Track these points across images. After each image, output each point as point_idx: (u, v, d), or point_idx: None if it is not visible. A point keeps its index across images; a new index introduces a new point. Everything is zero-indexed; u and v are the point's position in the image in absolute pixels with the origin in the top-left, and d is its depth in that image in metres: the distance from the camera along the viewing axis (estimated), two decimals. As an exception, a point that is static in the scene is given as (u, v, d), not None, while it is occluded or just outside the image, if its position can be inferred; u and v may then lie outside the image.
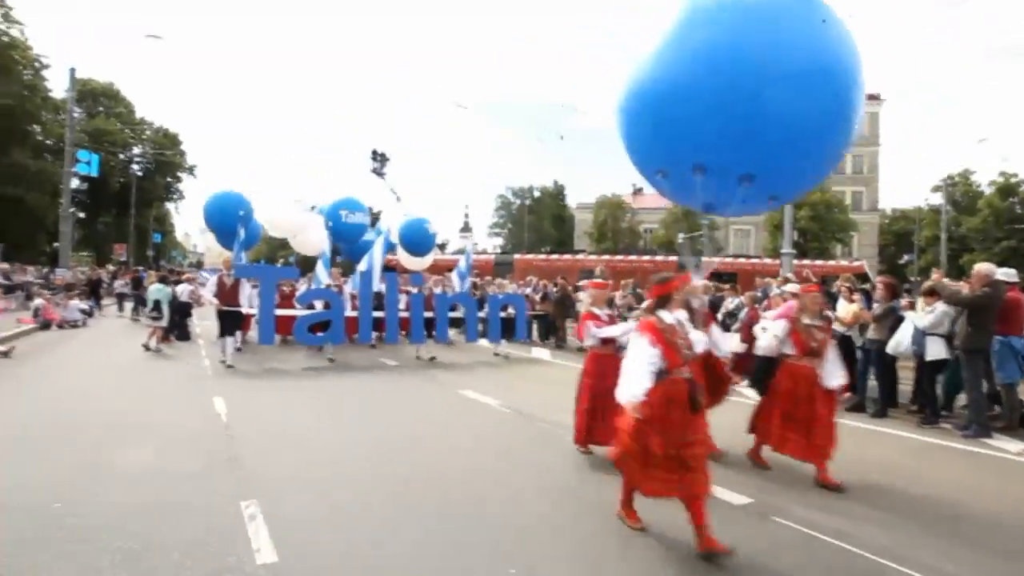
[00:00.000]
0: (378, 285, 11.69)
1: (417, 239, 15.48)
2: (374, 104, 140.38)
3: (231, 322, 10.18)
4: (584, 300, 5.67)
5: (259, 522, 3.65)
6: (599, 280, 5.62)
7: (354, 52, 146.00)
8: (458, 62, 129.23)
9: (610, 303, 6.12)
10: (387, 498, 4.21)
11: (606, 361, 5.10)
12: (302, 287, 12.76)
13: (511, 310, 12.63)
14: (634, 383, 3.51)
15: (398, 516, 3.90)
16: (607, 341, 5.22)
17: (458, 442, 5.84)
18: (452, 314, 12.13)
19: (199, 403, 7.06)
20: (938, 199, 45.41)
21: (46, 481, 4.29)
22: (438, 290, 12.69)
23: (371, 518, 3.86)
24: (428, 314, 11.51)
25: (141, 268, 25.50)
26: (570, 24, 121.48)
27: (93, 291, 19.51)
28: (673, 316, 3.74)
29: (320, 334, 10.71)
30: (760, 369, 5.29)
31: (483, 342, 12.67)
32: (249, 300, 10.63)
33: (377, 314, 11.26)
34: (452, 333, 12.61)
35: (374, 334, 12.07)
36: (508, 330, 12.43)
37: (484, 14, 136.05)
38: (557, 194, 64.93)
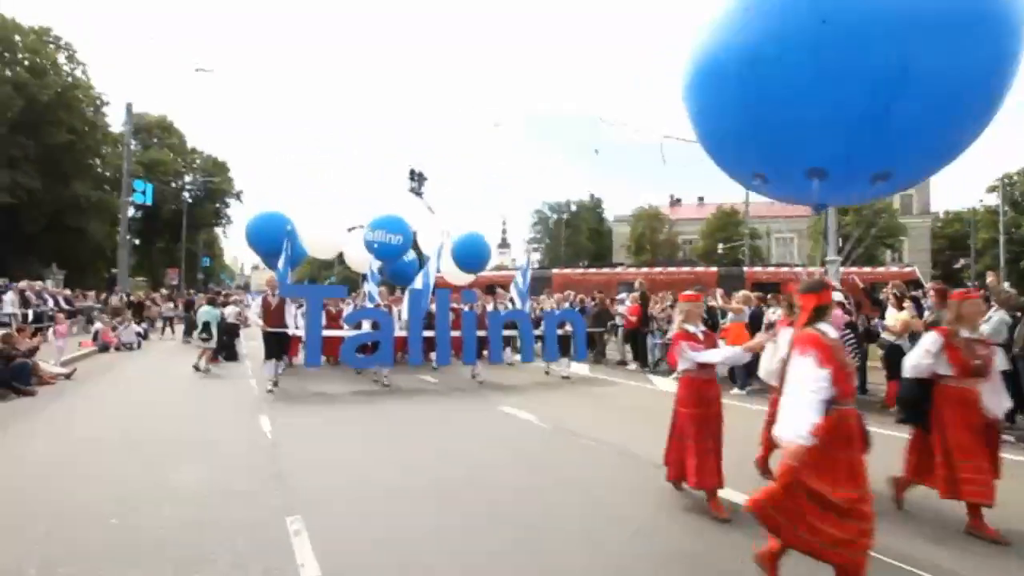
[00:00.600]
0: (429, 303, 11.23)
1: (473, 254, 14.56)
2: (411, 120, 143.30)
3: (277, 344, 9.76)
4: (675, 317, 4.77)
5: (303, 537, 3.75)
6: (692, 292, 4.82)
7: (391, 69, 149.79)
8: (492, 78, 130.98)
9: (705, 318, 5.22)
10: (432, 515, 4.26)
11: (707, 388, 4.52)
12: (349, 307, 12.46)
13: (568, 327, 11.71)
14: (799, 417, 2.80)
15: (442, 534, 3.94)
16: (705, 365, 4.51)
17: (506, 463, 5.84)
18: (507, 332, 11.55)
19: (246, 422, 7.29)
20: (994, 200, 43.38)
21: (105, 495, 4.50)
22: (491, 307, 12.03)
23: (414, 534, 3.91)
24: (481, 333, 10.89)
25: (193, 291, 26.49)
26: (604, 37, 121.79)
27: (136, 313, 20.00)
28: (835, 331, 3.06)
29: (368, 356, 10.20)
30: (910, 393, 4.35)
31: (540, 362, 12.20)
32: (295, 321, 10.14)
33: (428, 334, 10.73)
34: (507, 352, 11.82)
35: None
36: (565, 348, 11.77)
37: (516, 30, 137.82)
38: (594, 207, 64.75)
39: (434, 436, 6.85)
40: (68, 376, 10.54)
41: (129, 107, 25.34)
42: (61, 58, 33.97)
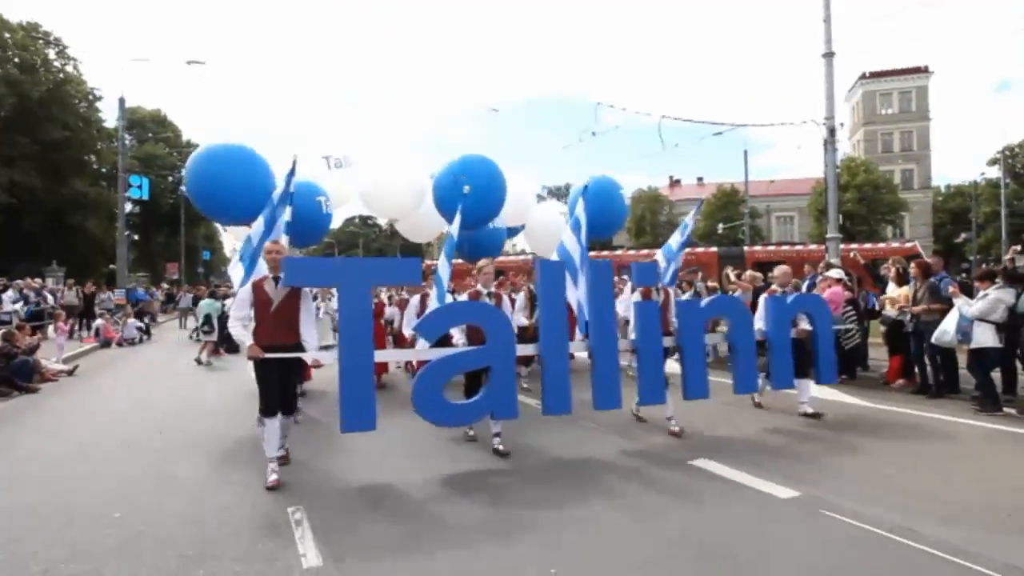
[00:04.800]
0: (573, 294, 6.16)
1: (607, 215, 9.19)
2: (404, 104, 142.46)
3: (281, 381, 4.74)
4: None
5: (304, 527, 3.75)
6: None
7: (387, 55, 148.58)
8: (489, 62, 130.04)
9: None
10: (434, 501, 4.26)
11: None
12: (411, 302, 8.12)
13: (805, 324, 6.55)
14: None
15: (446, 517, 3.95)
16: None
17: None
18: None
19: (247, 413, 7.28)
20: (996, 172, 43.12)
21: (108, 491, 4.52)
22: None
23: (417, 524, 3.92)
24: (667, 341, 5.97)
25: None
26: (595, 20, 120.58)
27: (88, 308, 18.52)
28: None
29: (464, 400, 5.30)
30: None
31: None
32: (316, 334, 5.03)
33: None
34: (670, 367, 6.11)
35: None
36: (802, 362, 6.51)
37: (508, 15, 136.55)
38: (593, 191, 64.44)
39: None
40: (70, 373, 10.56)
41: (122, 101, 25.06)
42: (51, 54, 33.65)
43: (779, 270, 7.13)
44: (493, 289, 5.88)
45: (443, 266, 6.94)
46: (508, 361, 5.11)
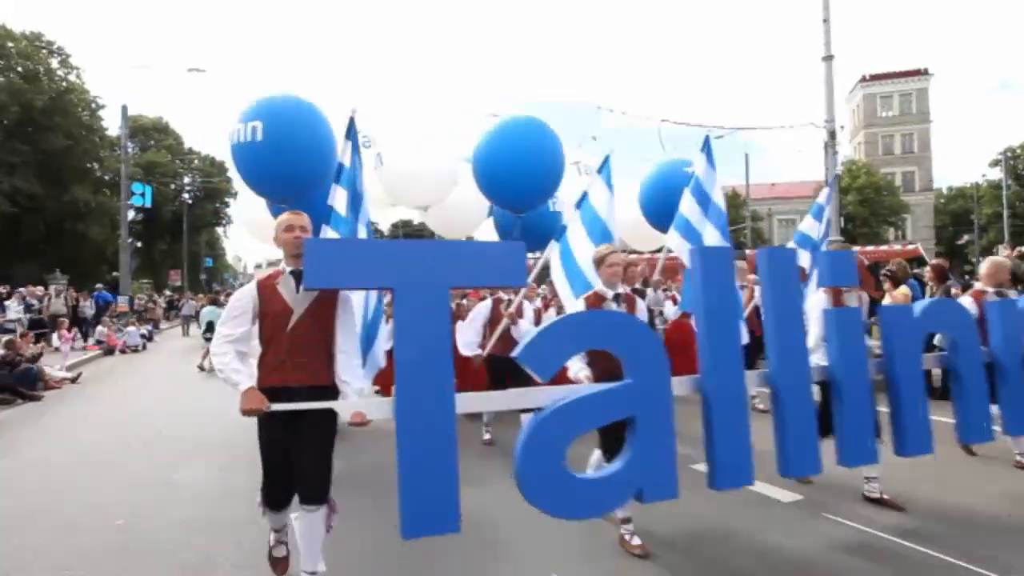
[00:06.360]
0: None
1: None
2: (405, 110, 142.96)
3: (300, 450, 2.99)
4: None
5: (307, 533, 3.75)
6: None
7: (386, 60, 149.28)
8: (489, 65, 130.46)
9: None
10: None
11: None
12: (476, 310, 6.06)
13: None
14: None
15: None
16: None
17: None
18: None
19: (250, 419, 7.30)
20: (997, 174, 43.09)
21: (110, 497, 4.53)
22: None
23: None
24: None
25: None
26: (596, 26, 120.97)
27: (74, 316, 17.27)
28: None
29: (593, 473, 3.35)
30: None
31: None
32: (370, 361, 4.57)
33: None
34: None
35: None
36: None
37: (512, 17, 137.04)
38: (594, 195, 64.46)
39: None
40: (74, 380, 10.59)
41: (124, 109, 25.17)
42: (54, 63, 33.89)
43: (988, 263, 4.87)
44: (623, 290, 3.76)
45: (583, 247, 4.45)
46: (662, 405, 3.00)
